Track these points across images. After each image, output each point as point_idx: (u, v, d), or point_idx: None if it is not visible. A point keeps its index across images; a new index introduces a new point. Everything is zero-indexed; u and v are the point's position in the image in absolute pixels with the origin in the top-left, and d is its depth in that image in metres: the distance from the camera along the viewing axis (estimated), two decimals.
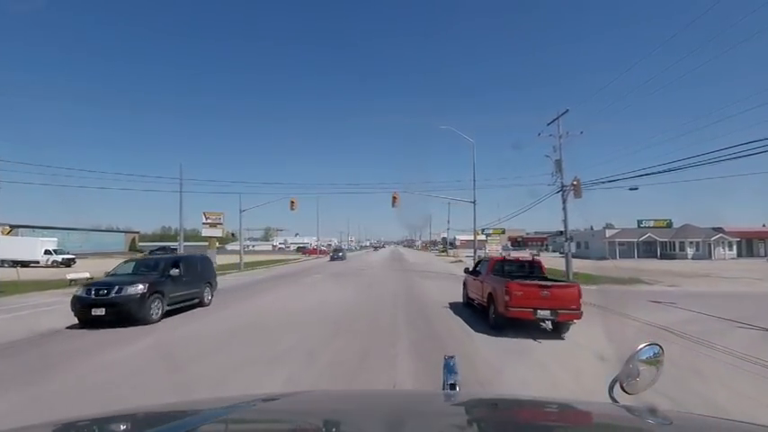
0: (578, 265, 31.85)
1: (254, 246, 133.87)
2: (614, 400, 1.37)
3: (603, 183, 19.49)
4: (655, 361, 1.39)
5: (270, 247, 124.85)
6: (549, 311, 8.48)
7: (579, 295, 8.61)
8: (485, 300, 10.07)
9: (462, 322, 9.85)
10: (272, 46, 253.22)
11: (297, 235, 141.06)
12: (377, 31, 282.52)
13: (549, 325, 9.07)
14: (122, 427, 1.29)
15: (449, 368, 1.75)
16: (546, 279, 10.22)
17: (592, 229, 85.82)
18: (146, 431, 1.22)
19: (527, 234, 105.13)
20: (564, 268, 24.44)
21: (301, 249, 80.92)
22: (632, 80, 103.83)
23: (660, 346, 1.42)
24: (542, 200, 22.66)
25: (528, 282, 9.25)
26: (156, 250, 63.75)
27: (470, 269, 12.97)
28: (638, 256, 47.71)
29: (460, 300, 13.18)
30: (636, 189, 21.35)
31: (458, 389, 1.68)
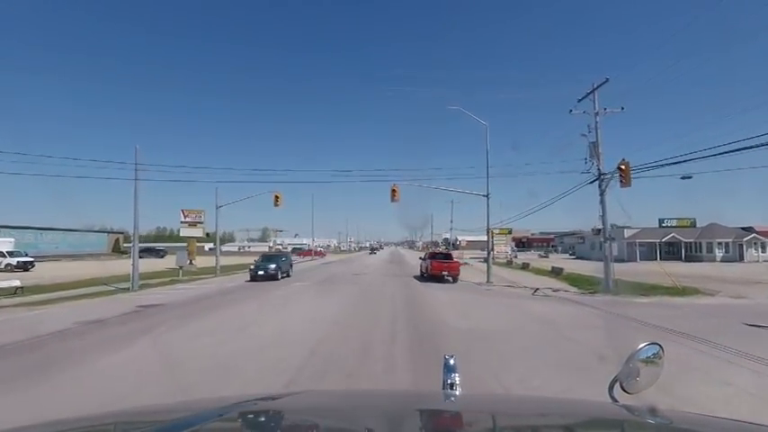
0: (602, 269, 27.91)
1: (249, 247, 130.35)
2: (614, 400, 1.36)
3: (662, 166, 15.56)
4: (655, 360, 1.39)
5: (266, 249, 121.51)
6: (447, 273, 21.32)
7: (458, 265, 22.48)
8: (426, 270, 22.82)
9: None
10: (264, 32, 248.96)
11: (296, 236, 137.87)
12: (375, 18, 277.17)
13: (450, 279, 21.35)
14: (122, 427, 1.27)
15: (448, 368, 1.67)
16: (450, 259, 22.77)
17: (595, 230, 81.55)
18: (146, 431, 1.19)
19: (532, 234, 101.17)
20: (590, 273, 20.47)
21: (297, 251, 76.90)
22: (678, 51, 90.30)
23: (660, 346, 1.42)
24: (573, 190, 18.78)
25: (440, 261, 22.03)
26: (141, 251, 60.09)
27: (422, 257, 26.18)
28: (661, 258, 43.70)
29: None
30: (689, 178, 17.46)
31: (457, 388, 1.61)
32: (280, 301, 14.28)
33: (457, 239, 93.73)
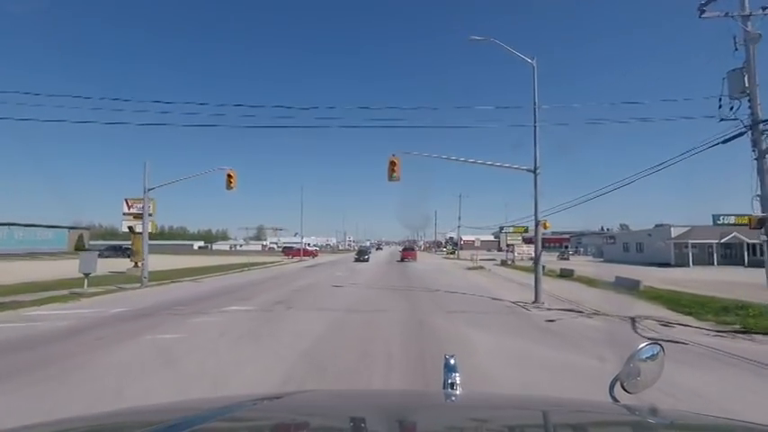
0: (669, 277, 20.51)
1: (242, 245, 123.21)
2: (615, 400, 1.35)
3: None
4: (655, 360, 1.37)
5: (260, 247, 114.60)
6: (410, 257, 50.40)
7: (416, 253, 56.53)
8: (400, 256, 54.03)
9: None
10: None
11: (296, 234, 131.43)
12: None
13: (411, 261, 47.72)
14: (122, 427, 1.26)
15: (449, 367, 1.67)
16: (412, 251, 55.52)
17: (621, 228, 73.67)
18: (145, 431, 1.15)
19: (543, 234, 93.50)
20: (672, 287, 12.91)
21: (287, 250, 69.67)
22: None
23: (661, 346, 1.40)
24: (693, 152, 11.35)
25: (407, 251, 54.53)
26: (105, 250, 53.37)
27: (400, 250, 67.82)
28: (717, 263, 36.19)
29: None
30: None
31: (458, 388, 1.60)
32: (134, 372, 6.57)
33: (461, 239, 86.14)
